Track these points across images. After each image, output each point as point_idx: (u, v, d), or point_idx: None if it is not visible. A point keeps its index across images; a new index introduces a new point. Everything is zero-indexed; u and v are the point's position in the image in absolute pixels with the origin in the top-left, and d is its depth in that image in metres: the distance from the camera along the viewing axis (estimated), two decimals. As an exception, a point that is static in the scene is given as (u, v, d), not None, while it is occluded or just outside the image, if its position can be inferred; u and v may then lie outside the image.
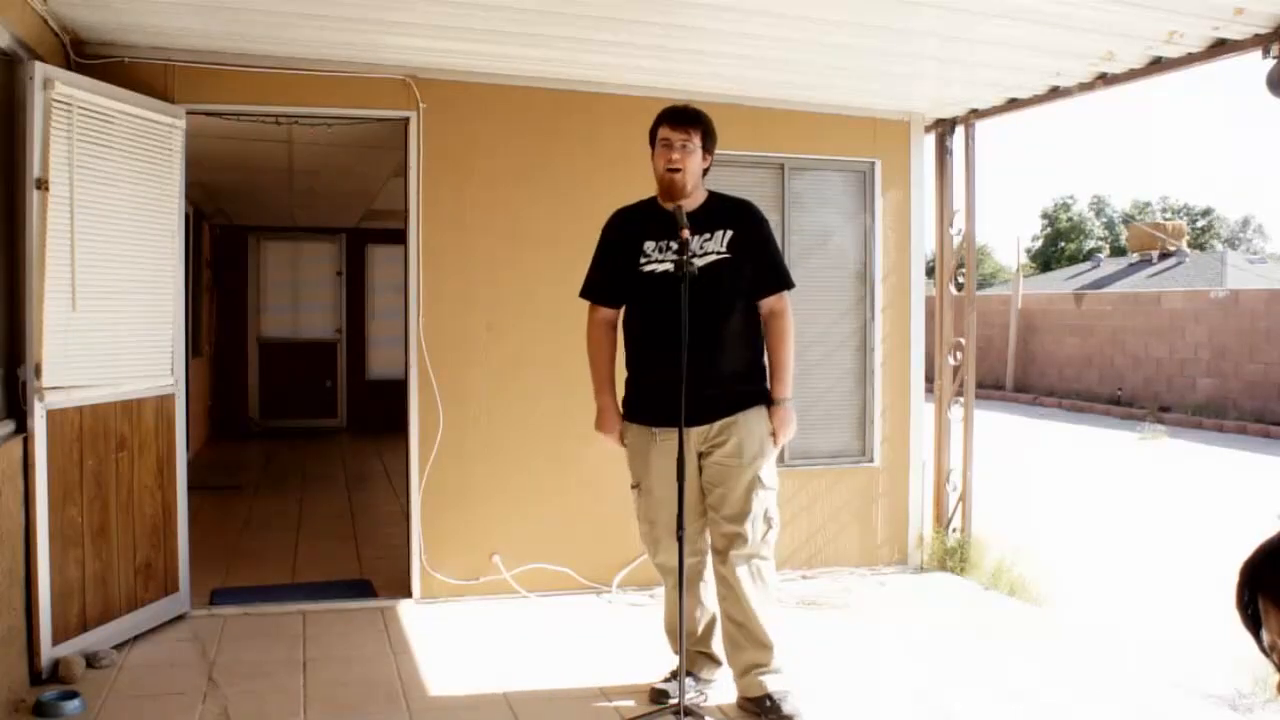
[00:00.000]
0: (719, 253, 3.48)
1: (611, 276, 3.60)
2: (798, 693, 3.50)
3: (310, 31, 4.17)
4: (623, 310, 3.63)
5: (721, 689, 3.63)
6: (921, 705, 3.56)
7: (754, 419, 3.50)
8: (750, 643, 3.51)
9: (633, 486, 3.62)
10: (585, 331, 3.67)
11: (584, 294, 3.68)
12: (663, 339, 3.35)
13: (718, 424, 3.47)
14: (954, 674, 3.88)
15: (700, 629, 3.63)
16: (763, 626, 3.50)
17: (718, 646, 3.64)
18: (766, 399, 3.55)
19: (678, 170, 3.45)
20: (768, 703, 3.46)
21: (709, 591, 3.62)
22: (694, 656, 3.62)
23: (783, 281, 3.59)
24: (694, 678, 3.59)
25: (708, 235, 3.49)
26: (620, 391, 3.65)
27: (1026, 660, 4.06)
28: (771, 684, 3.49)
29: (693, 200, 3.52)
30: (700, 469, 3.51)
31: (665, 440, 3.44)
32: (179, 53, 4.35)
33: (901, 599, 4.92)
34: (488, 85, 4.77)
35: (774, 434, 3.53)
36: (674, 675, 3.50)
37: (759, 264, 3.54)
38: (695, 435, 3.45)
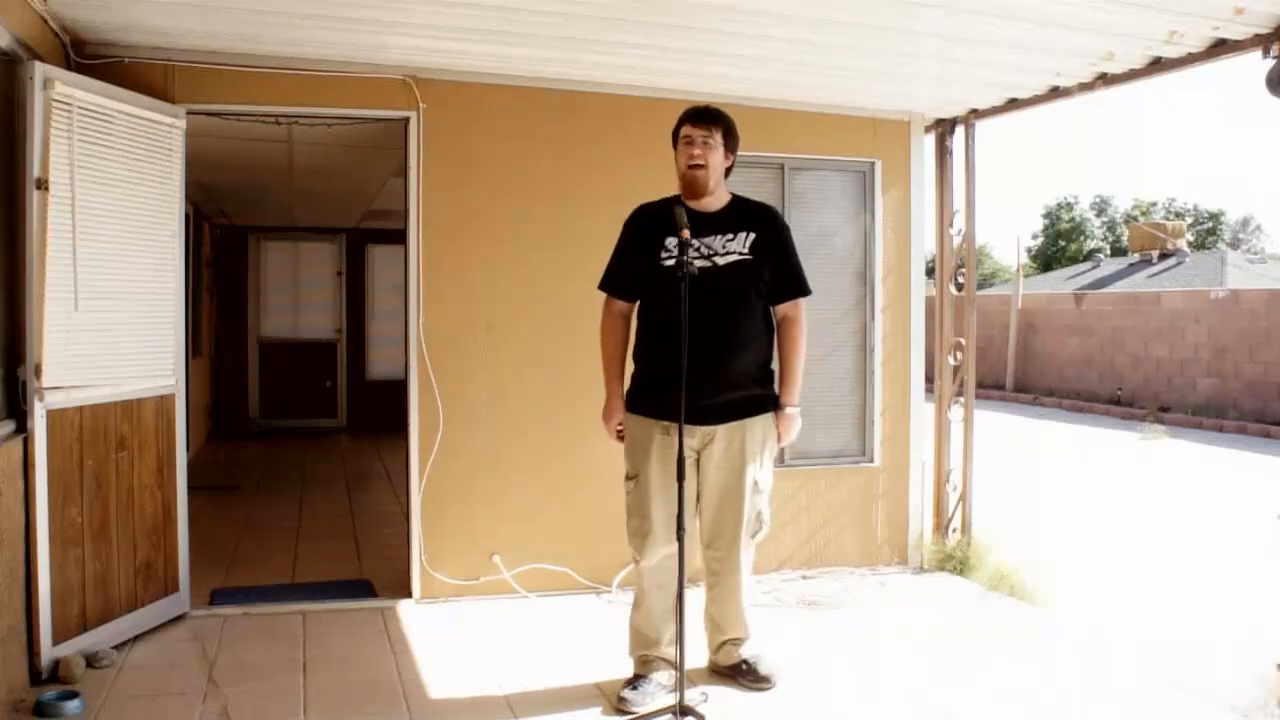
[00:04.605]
0: (741, 253, 3.53)
1: (630, 271, 3.64)
2: (770, 655, 3.70)
3: (310, 31, 4.17)
4: (638, 304, 3.67)
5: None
6: (921, 705, 3.56)
7: (761, 423, 3.60)
8: (730, 628, 3.70)
9: (629, 478, 3.63)
10: (599, 323, 3.72)
11: (603, 286, 3.73)
12: (679, 334, 3.36)
13: (725, 426, 3.52)
14: (954, 674, 3.88)
15: (667, 637, 3.61)
16: (745, 616, 3.69)
17: (672, 650, 3.56)
18: (774, 403, 3.62)
19: (701, 166, 3.51)
20: (744, 666, 3.66)
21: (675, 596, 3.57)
22: (652, 660, 3.64)
23: (801, 288, 3.66)
24: (646, 679, 3.58)
25: (730, 235, 3.54)
26: (626, 383, 3.69)
27: (1026, 660, 4.06)
28: (746, 651, 3.69)
29: (716, 200, 3.59)
30: (698, 466, 3.57)
31: (671, 434, 3.46)
32: (179, 53, 4.35)
33: (901, 599, 4.92)
34: (488, 85, 4.77)
35: (779, 436, 3.63)
36: (635, 679, 3.58)
37: (779, 269, 3.61)
38: (700, 433, 3.50)
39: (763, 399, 3.61)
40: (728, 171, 3.63)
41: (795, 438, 3.71)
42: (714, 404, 3.47)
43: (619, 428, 3.67)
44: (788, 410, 3.62)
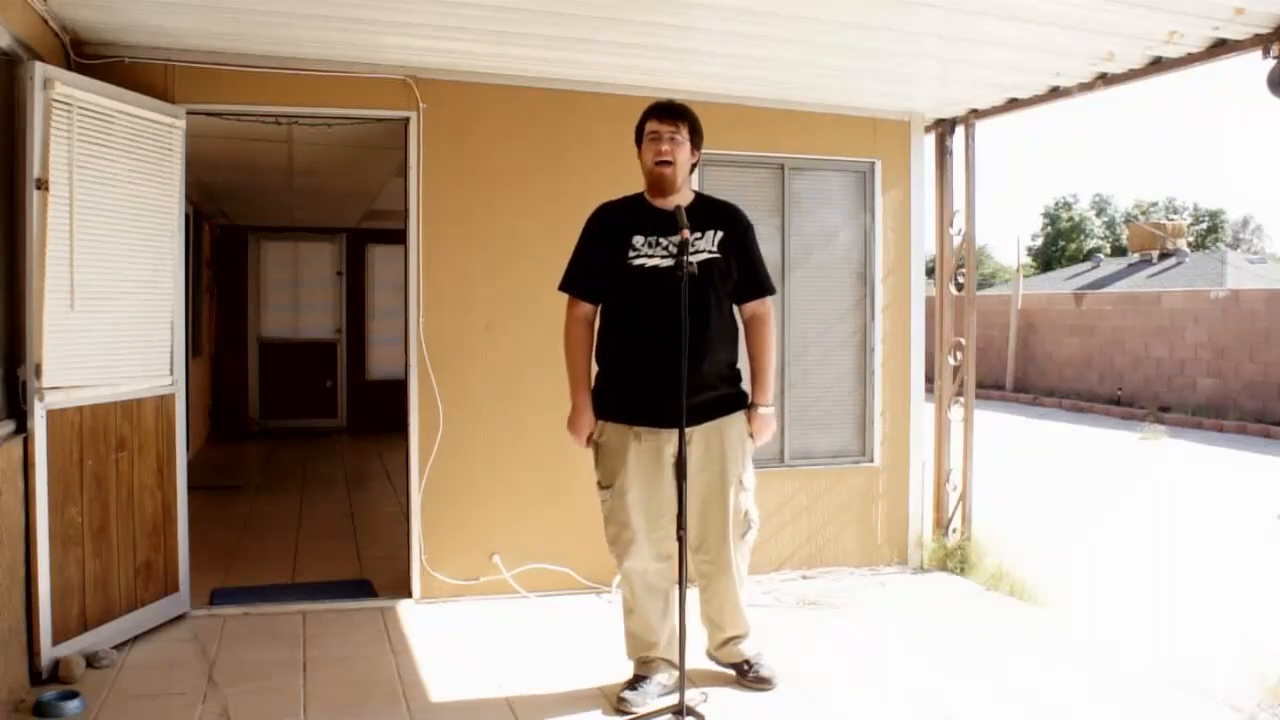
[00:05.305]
0: (710, 252, 3.50)
1: (596, 271, 3.56)
2: (770, 655, 3.70)
3: (310, 31, 4.17)
4: (601, 306, 3.60)
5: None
6: (921, 705, 3.56)
7: (736, 422, 3.56)
8: (729, 625, 3.68)
9: (604, 487, 3.56)
10: (564, 328, 3.61)
11: (564, 287, 3.62)
12: (652, 335, 3.34)
13: (701, 427, 3.47)
14: (954, 674, 3.88)
15: (665, 638, 3.60)
16: (743, 612, 3.67)
17: (673, 652, 3.50)
18: (746, 402, 3.60)
19: (668, 163, 3.46)
20: (745, 666, 3.66)
21: (673, 600, 3.52)
22: (652, 660, 3.63)
23: (766, 287, 3.63)
24: (647, 680, 3.57)
25: (699, 234, 3.50)
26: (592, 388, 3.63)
27: (1026, 660, 4.06)
28: (748, 649, 3.68)
29: (681, 198, 3.52)
30: (678, 471, 3.51)
31: (648, 440, 3.45)
32: (179, 53, 4.35)
33: (901, 599, 4.92)
34: (488, 85, 4.77)
35: (752, 436, 3.59)
36: (635, 680, 3.57)
37: (745, 267, 3.57)
38: (675, 437, 3.44)
39: (732, 397, 3.58)
40: (692, 168, 3.58)
41: (769, 439, 3.68)
42: (690, 404, 3.36)
43: (589, 436, 3.57)
44: (761, 410, 3.56)
